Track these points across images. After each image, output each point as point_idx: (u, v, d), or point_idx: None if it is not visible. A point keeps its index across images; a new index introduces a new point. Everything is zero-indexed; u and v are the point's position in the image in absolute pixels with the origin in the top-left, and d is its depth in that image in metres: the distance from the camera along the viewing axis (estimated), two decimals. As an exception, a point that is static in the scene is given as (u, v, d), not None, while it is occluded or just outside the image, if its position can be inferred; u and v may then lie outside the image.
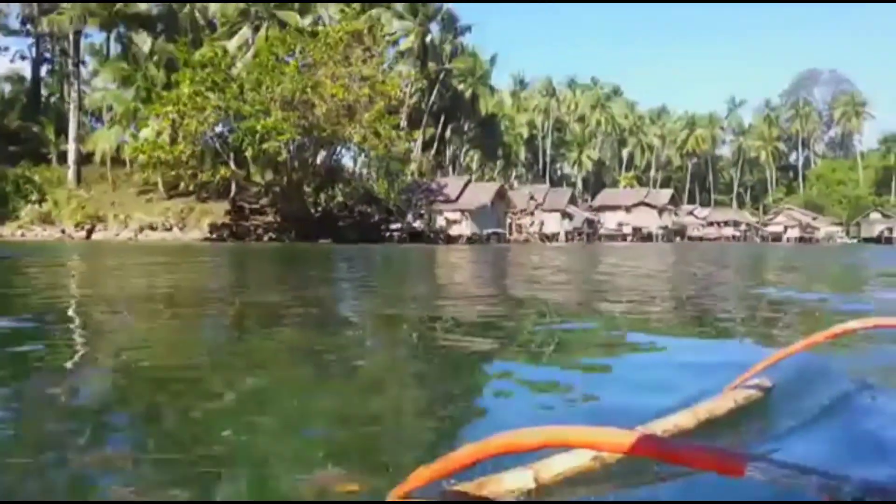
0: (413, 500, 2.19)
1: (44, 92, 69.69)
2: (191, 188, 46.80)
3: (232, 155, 46.33)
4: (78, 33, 53.97)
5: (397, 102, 47.48)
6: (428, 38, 59.55)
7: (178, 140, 42.42)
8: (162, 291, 12.43)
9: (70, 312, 8.18)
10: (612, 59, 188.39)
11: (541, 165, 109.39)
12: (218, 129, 44.78)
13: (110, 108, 56.18)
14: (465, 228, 52.19)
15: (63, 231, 51.87)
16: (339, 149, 47.67)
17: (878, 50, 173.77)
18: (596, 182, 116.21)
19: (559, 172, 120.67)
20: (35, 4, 59.63)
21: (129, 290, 12.65)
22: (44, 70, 70.43)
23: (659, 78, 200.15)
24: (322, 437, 3.39)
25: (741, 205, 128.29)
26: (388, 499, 2.33)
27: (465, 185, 55.34)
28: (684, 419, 2.96)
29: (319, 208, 48.30)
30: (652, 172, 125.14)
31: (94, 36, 63.36)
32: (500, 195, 56.19)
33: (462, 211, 52.24)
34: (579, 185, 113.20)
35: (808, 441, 3.07)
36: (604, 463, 2.82)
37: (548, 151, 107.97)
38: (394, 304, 9.62)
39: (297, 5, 54.27)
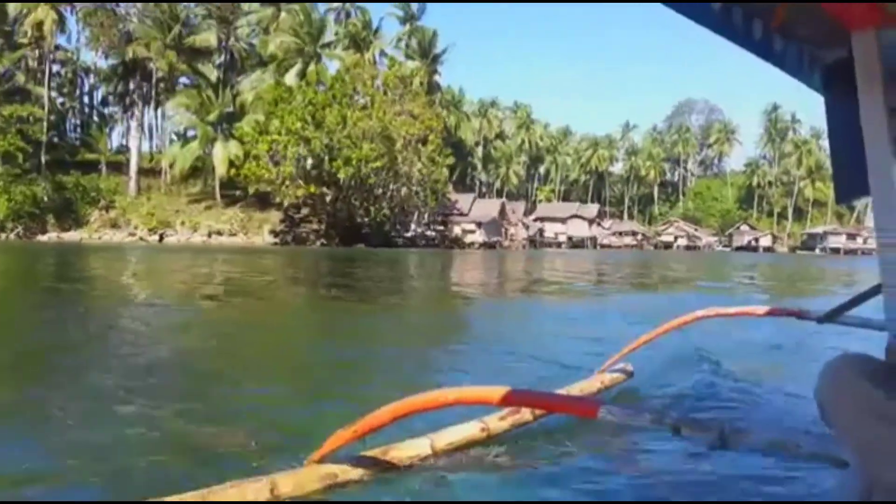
0: (328, 463, 2.53)
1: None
2: (281, 201, 55.46)
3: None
4: (143, 60, 60.98)
5: (443, 134, 58.97)
6: (436, 77, 70.96)
7: (279, 163, 51.94)
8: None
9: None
10: (522, 83, 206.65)
11: (469, 179, 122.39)
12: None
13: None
14: (478, 237, 64.57)
15: (132, 234, 58.69)
16: (385, 171, 58.11)
17: (742, 85, 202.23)
18: (509, 195, 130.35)
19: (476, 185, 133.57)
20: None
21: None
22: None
23: (563, 102, 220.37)
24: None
25: (630, 216, 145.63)
26: (307, 462, 2.82)
27: (473, 201, 67.72)
28: None
29: (367, 219, 58.47)
30: (557, 186, 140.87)
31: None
32: (501, 210, 69.22)
33: (477, 223, 64.62)
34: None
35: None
36: (490, 434, 3.57)
37: (478, 167, 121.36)
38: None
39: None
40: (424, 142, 54.91)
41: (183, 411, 4.62)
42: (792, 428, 3.96)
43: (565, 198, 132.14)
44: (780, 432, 2.12)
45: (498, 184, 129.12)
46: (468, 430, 3.50)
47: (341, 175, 51.72)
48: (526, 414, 3.77)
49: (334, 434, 2.91)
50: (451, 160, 59.08)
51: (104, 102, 75.89)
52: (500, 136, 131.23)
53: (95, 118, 73.82)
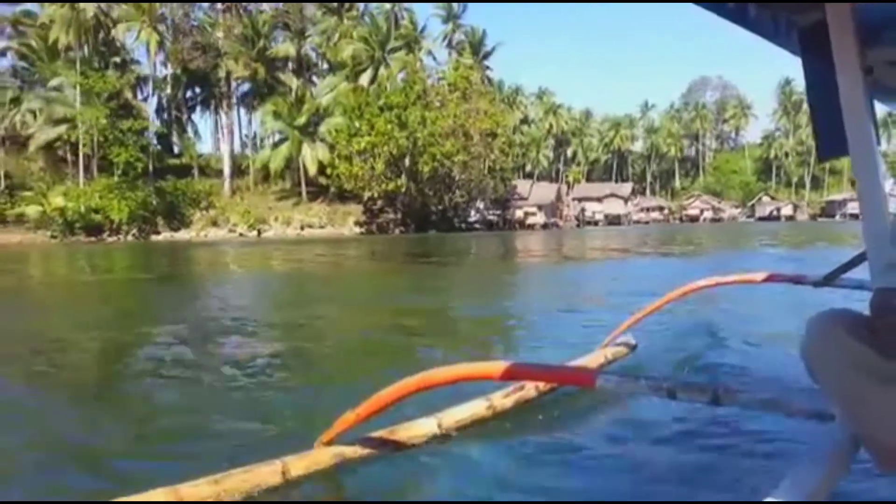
0: (337, 446, 2.50)
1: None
2: (371, 195, 61.31)
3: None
4: (228, 73, 66.83)
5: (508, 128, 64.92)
6: (488, 73, 76.63)
7: (368, 161, 57.94)
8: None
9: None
10: (542, 66, 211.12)
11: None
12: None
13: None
14: (539, 219, 70.69)
15: (232, 231, 64.58)
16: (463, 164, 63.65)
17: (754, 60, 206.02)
18: (539, 177, 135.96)
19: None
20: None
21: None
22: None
23: (582, 83, 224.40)
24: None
25: (653, 192, 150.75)
26: (316, 444, 2.75)
27: (531, 186, 73.80)
28: None
29: (440, 207, 64.28)
30: (583, 167, 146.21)
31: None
32: (558, 193, 75.40)
33: (538, 205, 70.74)
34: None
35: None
36: (496, 411, 3.55)
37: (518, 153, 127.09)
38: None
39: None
40: (494, 135, 60.81)
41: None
42: (787, 386, 4.09)
43: (588, 177, 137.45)
44: (774, 391, 2.11)
45: (528, 167, 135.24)
46: (474, 408, 3.56)
47: (424, 170, 57.62)
48: (530, 390, 3.89)
49: (342, 415, 2.96)
50: (516, 150, 64.95)
51: (161, 108, 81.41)
52: (526, 121, 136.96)
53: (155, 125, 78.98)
